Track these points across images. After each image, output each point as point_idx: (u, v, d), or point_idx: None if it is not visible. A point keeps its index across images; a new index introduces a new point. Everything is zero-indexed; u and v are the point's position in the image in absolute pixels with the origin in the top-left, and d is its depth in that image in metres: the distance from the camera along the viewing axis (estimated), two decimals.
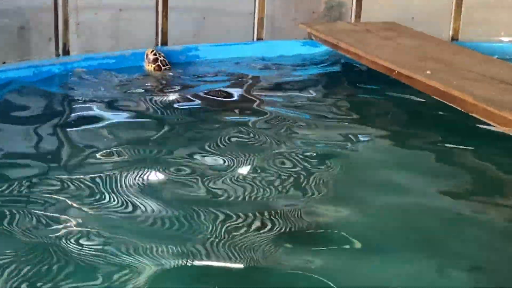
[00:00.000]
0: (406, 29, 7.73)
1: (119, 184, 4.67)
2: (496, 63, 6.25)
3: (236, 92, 6.97)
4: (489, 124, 4.95)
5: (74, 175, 4.77)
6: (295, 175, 4.72)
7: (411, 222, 4.15)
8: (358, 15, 8.07)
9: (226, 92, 6.88)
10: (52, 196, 4.29)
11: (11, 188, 4.38)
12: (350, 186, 4.71)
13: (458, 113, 5.35)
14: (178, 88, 6.95)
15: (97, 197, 4.37)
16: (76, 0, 7.24)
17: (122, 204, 4.35)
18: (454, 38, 7.81)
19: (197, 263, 3.66)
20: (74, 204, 4.26)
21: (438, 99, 5.54)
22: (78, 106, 6.33)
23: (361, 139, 5.80)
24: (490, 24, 8.48)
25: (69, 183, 4.64)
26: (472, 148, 5.27)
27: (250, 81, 7.21)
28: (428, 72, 5.72)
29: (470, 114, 5.10)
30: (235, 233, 3.89)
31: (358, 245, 3.86)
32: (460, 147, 5.36)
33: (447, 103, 5.39)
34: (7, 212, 4.02)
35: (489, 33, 8.33)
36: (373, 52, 6.53)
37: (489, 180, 4.84)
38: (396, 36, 7.24)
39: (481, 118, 4.99)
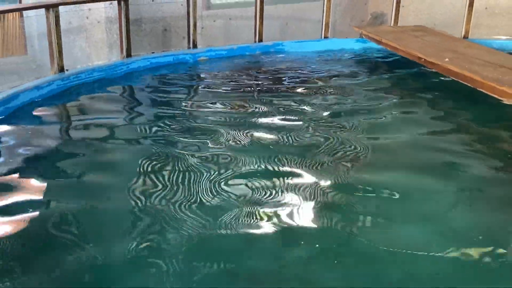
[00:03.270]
0: (431, 30, 8.11)
1: None
2: (497, 54, 6.49)
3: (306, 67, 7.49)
4: (492, 96, 5.15)
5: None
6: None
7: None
8: (396, 21, 8.45)
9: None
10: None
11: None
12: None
13: (469, 89, 5.53)
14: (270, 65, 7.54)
15: None
16: (201, 11, 7.96)
17: None
18: (465, 36, 8.08)
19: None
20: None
21: (454, 78, 5.84)
22: (204, 76, 7.09)
23: (389, 100, 6.07)
24: (492, 26, 8.80)
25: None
26: (476, 111, 5.49)
27: (317, 63, 7.70)
28: (447, 59, 6.07)
29: (478, 89, 5.34)
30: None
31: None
32: (467, 111, 5.54)
33: (461, 81, 5.67)
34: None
35: (491, 33, 8.61)
36: (406, 45, 6.94)
37: (484, 133, 5.02)
38: (423, 35, 7.62)
39: (486, 92, 5.20)
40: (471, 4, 8.23)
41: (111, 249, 2.99)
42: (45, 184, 3.78)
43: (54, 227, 3.22)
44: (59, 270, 2.80)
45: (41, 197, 3.60)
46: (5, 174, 3.93)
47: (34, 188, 3.72)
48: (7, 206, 3.46)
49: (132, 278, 2.77)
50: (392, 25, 8.64)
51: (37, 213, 3.39)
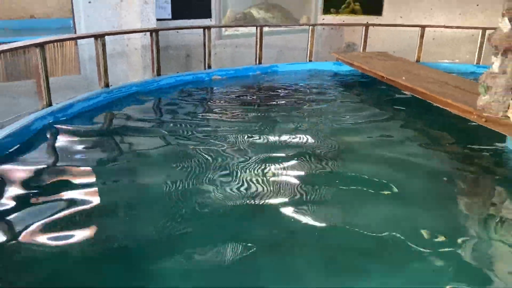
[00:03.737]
0: (391, 55, 8.17)
1: None
2: (441, 74, 6.56)
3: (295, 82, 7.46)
4: (437, 106, 5.15)
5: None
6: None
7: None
8: (364, 49, 8.54)
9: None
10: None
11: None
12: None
13: (420, 100, 5.52)
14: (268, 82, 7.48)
15: None
16: (214, 41, 8.06)
17: None
18: (417, 60, 8.18)
19: None
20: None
21: (408, 92, 5.90)
22: (216, 90, 6.96)
23: (356, 106, 6.14)
24: (438, 53, 8.89)
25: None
26: (423, 116, 5.48)
27: (304, 80, 7.64)
28: (403, 78, 6.11)
29: (427, 100, 5.36)
30: None
31: None
32: (418, 118, 5.51)
33: (414, 95, 5.69)
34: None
35: (437, 58, 8.68)
36: (372, 67, 6.98)
37: (426, 130, 5.06)
38: (385, 59, 7.71)
39: (432, 102, 5.26)
40: (422, 36, 8.35)
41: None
42: (95, 166, 3.89)
43: (107, 200, 3.25)
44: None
45: (95, 176, 3.69)
46: (68, 158, 4.05)
47: (87, 172, 3.78)
48: (70, 182, 3.54)
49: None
50: (361, 51, 8.70)
51: (96, 188, 3.44)
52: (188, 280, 2.42)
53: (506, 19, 4.11)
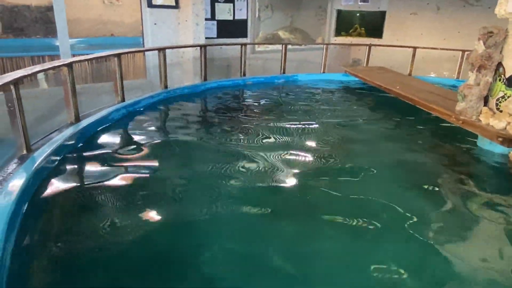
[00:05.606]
0: (388, 69, 7.96)
1: None
2: (428, 85, 6.30)
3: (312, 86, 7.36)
4: (426, 111, 4.92)
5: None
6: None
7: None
8: (367, 64, 8.38)
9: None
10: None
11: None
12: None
13: (412, 107, 5.31)
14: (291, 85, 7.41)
15: None
16: (249, 54, 8.02)
17: None
18: (410, 74, 7.99)
19: None
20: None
21: (401, 99, 5.65)
22: (249, 92, 6.86)
23: (359, 107, 5.95)
24: (426, 69, 8.67)
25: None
26: (412, 119, 5.24)
27: (319, 87, 7.41)
28: (398, 87, 5.96)
29: (417, 106, 5.17)
30: None
31: None
32: (406, 119, 5.27)
33: (407, 101, 5.48)
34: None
35: (425, 72, 8.49)
36: (372, 78, 6.85)
37: (415, 129, 4.85)
38: (384, 72, 7.55)
39: (422, 108, 5.07)
40: (413, 55, 8.17)
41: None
42: (157, 143, 3.96)
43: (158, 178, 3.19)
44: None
45: (158, 149, 3.76)
46: (137, 136, 4.16)
47: (151, 145, 3.85)
48: (140, 152, 3.65)
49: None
50: (364, 66, 8.56)
51: (157, 163, 3.45)
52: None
53: (481, 41, 4.03)
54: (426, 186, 3.07)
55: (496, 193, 3.01)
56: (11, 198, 2.34)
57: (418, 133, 4.70)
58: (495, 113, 3.97)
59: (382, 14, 10.02)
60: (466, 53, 7.19)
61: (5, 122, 3.76)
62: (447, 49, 8.26)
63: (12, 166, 2.87)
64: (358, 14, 10.31)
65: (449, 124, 4.53)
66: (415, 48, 8.16)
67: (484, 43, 3.96)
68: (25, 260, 1.99)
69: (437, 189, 3.04)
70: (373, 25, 10.18)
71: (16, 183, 2.53)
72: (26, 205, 2.46)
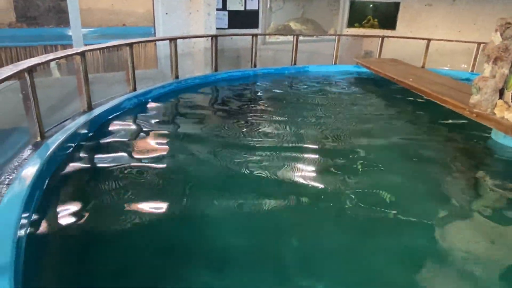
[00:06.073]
0: (401, 61, 7.85)
1: None
2: (442, 77, 6.26)
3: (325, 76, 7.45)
4: (439, 104, 4.88)
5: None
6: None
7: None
8: (379, 55, 8.24)
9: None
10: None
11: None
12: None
13: (422, 97, 5.37)
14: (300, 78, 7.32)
15: None
16: (259, 45, 7.92)
17: None
18: (423, 66, 7.84)
19: None
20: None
21: (414, 91, 5.62)
22: (259, 83, 6.84)
23: (370, 98, 5.97)
24: (439, 61, 8.47)
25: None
26: (425, 111, 5.22)
27: (330, 79, 7.38)
28: (411, 79, 5.91)
29: (429, 98, 5.17)
30: None
31: None
32: (420, 112, 5.23)
33: (419, 93, 5.47)
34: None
35: (439, 65, 8.29)
36: (385, 70, 6.77)
37: (424, 120, 4.87)
38: (396, 64, 7.47)
39: (435, 100, 5.03)
40: (427, 47, 8.02)
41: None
42: (168, 129, 4.10)
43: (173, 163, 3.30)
44: None
45: (168, 135, 3.89)
46: (148, 124, 4.25)
47: (162, 133, 3.98)
48: (150, 138, 3.74)
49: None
50: (376, 57, 8.43)
51: (168, 146, 3.57)
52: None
53: (498, 33, 3.94)
54: (438, 180, 3.07)
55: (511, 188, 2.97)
56: (26, 183, 2.38)
57: (431, 127, 4.69)
58: (510, 106, 3.96)
59: (396, 5, 9.82)
60: (481, 45, 7.06)
61: (17, 112, 3.80)
62: (462, 41, 8.13)
63: (27, 152, 2.93)
64: (371, 5, 10.14)
65: (462, 120, 4.53)
66: (429, 40, 8.01)
67: (501, 35, 3.87)
68: (40, 244, 2.03)
69: (450, 183, 3.04)
70: (386, 17, 9.99)
71: (31, 169, 2.58)
72: (40, 190, 2.49)
